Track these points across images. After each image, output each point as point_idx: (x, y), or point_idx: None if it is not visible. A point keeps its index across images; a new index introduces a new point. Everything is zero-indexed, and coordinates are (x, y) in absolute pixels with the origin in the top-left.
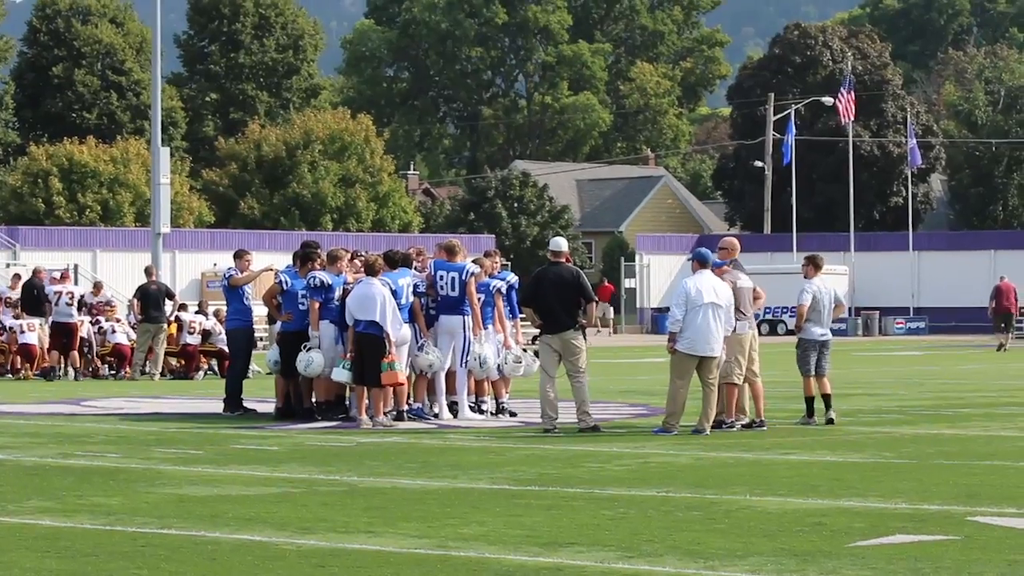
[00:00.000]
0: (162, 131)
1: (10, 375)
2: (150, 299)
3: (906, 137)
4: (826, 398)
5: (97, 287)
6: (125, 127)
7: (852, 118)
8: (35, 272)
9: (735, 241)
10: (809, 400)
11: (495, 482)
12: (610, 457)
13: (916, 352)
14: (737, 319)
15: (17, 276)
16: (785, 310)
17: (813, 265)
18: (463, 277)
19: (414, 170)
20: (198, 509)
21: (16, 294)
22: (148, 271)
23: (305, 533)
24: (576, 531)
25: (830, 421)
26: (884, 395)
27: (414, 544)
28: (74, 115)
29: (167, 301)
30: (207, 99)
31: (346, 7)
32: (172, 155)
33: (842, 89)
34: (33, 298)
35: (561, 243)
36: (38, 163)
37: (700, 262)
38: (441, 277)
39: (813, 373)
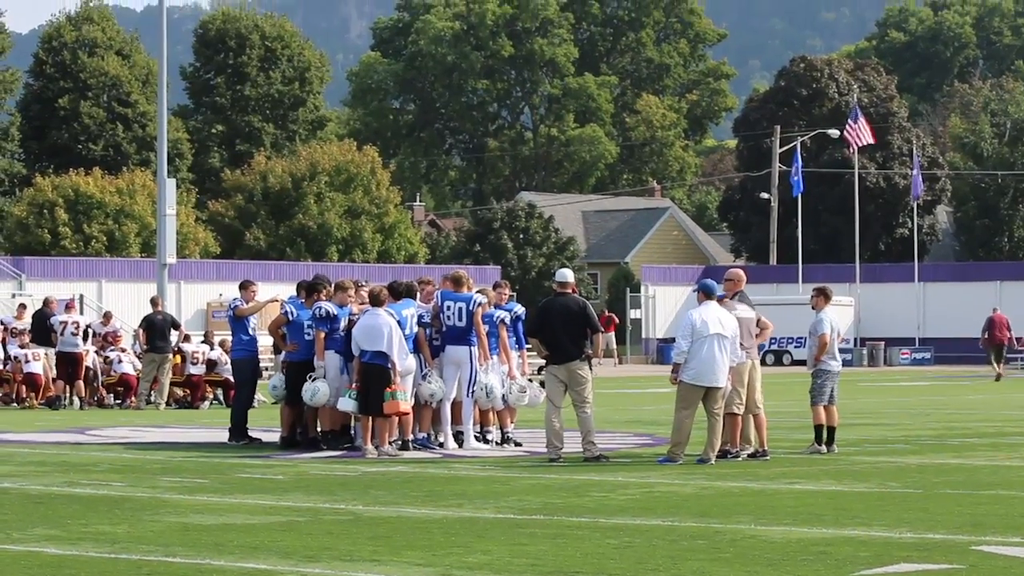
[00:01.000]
0: (168, 162)
1: (16, 404)
2: (156, 329)
3: (911, 169)
4: (831, 431)
5: (107, 317)
6: (131, 158)
7: (864, 143)
8: (46, 302)
9: (741, 272)
10: (819, 428)
11: (500, 511)
12: (615, 486)
13: (922, 382)
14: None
15: (23, 306)
16: (791, 340)
17: (823, 296)
18: (470, 307)
19: (420, 201)
20: (203, 537)
21: (22, 324)
22: (154, 301)
23: (310, 562)
24: (581, 560)
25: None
26: (890, 425)
27: (419, 573)
28: (80, 146)
29: (173, 331)
30: (213, 131)
31: (352, 39)
32: (178, 186)
33: (849, 120)
34: (43, 328)
35: (567, 274)
36: (44, 194)
37: (706, 293)
38: (448, 307)
39: (826, 402)
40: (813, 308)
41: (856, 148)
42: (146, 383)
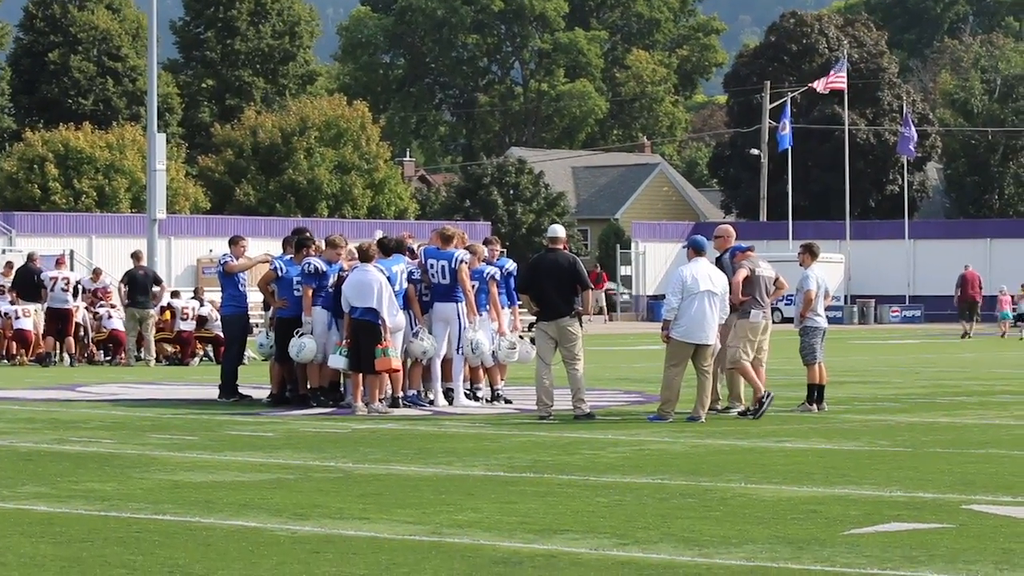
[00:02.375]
0: (158, 117)
1: (5, 361)
2: (137, 284)
3: (901, 125)
4: (820, 389)
5: (96, 273)
6: (121, 113)
7: (826, 91)
8: (30, 257)
9: (730, 228)
10: (812, 387)
11: (490, 469)
12: (605, 444)
13: (912, 340)
14: (752, 306)
15: (10, 264)
16: (780, 298)
17: (810, 253)
18: (452, 265)
19: (410, 157)
20: (192, 495)
21: (8, 281)
22: (136, 256)
23: (299, 519)
24: (571, 518)
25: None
26: (880, 383)
27: (408, 530)
28: (70, 101)
29: (155, 287)
30: (203, 85)
31: None
32: (168, 141)
33: (831, 72)
34: (31, 284)
35: (558, 230)
36: (34, 149)
37: (696, 250)
38: (431, 265)
39: (818, 361)
40: (801, 265)
41: (819, 91)
42: (132, 338)
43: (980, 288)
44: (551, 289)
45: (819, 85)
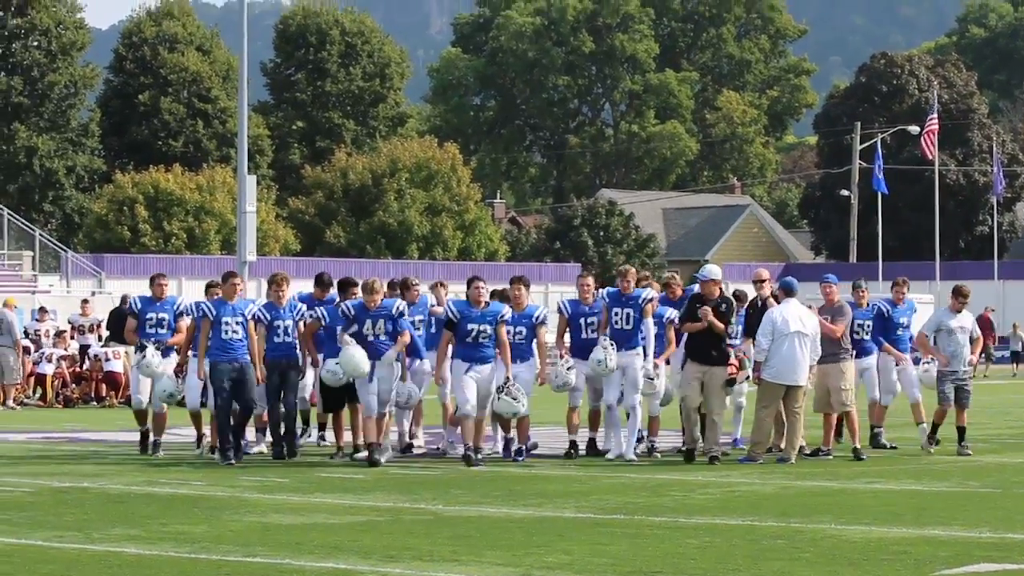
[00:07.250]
0: (248, 159)
1: (96, 403)
2: None
3: (991, 166)
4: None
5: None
6: (211, 155)
7: (932, 150)
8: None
9: (764, 272)
10: (962, 429)
11: (580, 511)
12: (695, 486)
13: (1001, 381)
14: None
15: (85, 301)
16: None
17: (965, 297)
18: (638, 311)
19: (500, 198)
20: (283, 537)
21: (87, 320)
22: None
23: (390, 561)
24: (661, 560)
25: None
26: (969, 424)
27: (499, 572)
28: (160, 143)
29: None
30: (293, 127)
31: (432, 36)
32: (258, 183)
33: (927, 121)
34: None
35: (710, 271)
36: (124, 191)
37: (786, 291)
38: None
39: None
40: (954, 310)
41: (930, 155)
42: None
43: (992, 330)
44: (701, 333)
45: (927, 148)
